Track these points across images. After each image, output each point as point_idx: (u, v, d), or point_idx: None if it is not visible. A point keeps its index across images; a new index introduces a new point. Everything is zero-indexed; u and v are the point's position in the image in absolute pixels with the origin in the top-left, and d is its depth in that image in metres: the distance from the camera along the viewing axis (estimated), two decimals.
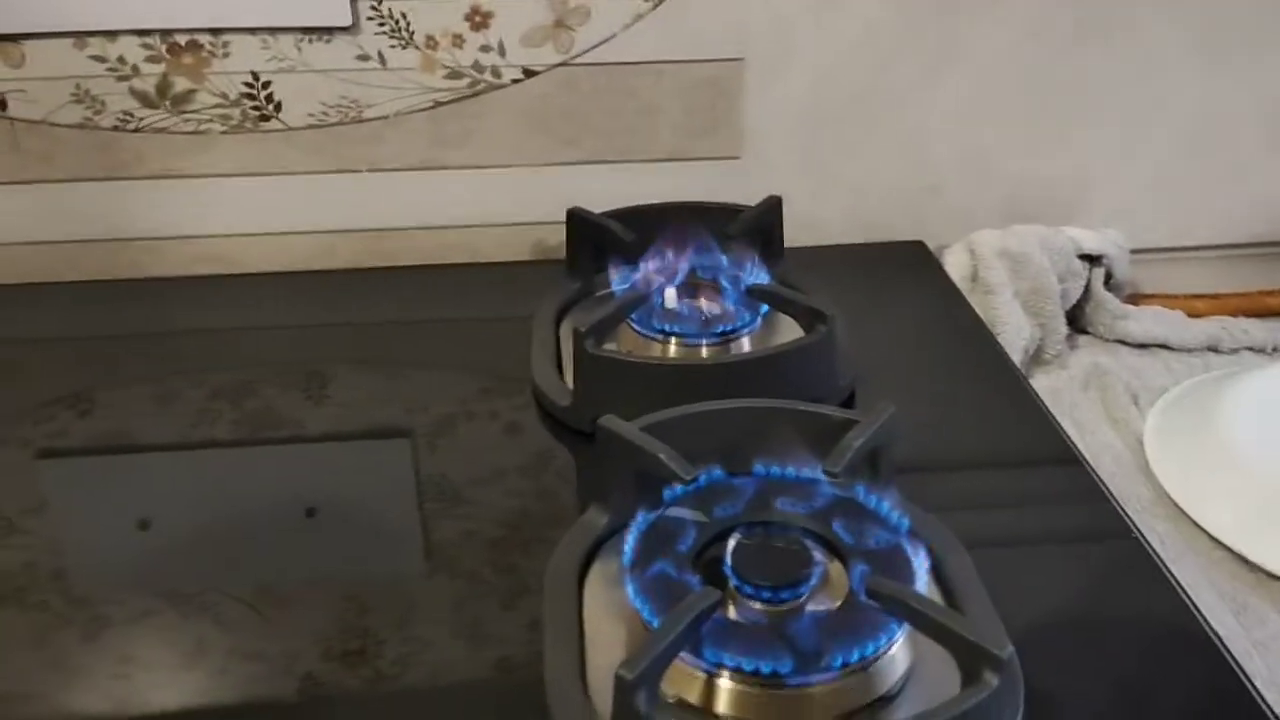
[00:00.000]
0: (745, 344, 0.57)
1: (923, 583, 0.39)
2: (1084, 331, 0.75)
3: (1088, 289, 0.73)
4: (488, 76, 0.69)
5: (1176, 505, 0.58)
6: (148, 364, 0.63)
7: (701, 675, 0.37)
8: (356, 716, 0.40)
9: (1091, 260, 0.73)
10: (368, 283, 0.72)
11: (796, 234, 0.69)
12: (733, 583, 0.39)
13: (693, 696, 0.38)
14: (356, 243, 0.74)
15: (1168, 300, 0.78)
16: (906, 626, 0.38)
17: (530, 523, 0.49)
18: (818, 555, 0.40)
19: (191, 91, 0.68)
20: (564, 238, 0.66)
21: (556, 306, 0.63)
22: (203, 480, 0.54)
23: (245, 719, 0.40)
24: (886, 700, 0.38)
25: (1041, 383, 0.70)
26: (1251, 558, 0.54)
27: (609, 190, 0.68)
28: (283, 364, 0.62)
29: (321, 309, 0.69)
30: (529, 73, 0.69)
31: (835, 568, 0.41)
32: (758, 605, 0.39)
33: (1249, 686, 0.41)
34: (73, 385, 0.60)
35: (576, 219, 0.64)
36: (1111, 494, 0.52)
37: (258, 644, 0.43)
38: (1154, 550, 0.48)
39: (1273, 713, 0.40)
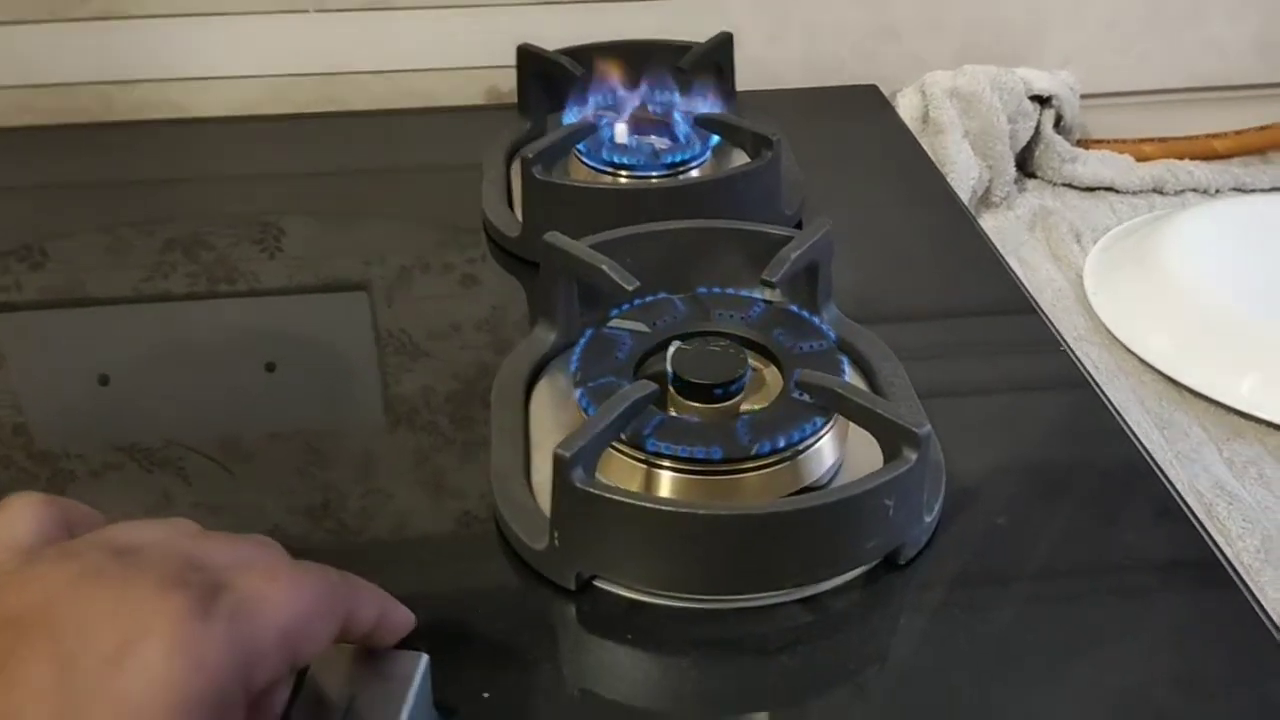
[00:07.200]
0: (694, 174, 0.58)
1: (850, 377, 0.41)
2: (1032, 175, 0.76)
3: (1038, 131, 0.74)
4: None
5: (1111, 334, 0.60)
6: (99, 214, 0.62)
7: (642, 467, 0.39)
8: None
9: (1042, 102, 0.74)
10: (320, 129, 0.72)
11: (751, 78, 0.69)
12: (671, 383, 0.41)
13: (634, 485, 0.39)
14: (308, 87, 0.73)
15: (1116, 145, 0.78)
16: (834, 418, 0.39)
17: (487, 375, 0.49)
18: (752, 360, 0.42)
19: None
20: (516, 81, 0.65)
21: (508, 146, 0.63)
22: (161, 334, 0.54)
23: None
24: (815, 489, 0.40)
25: (988, 223, 0.71)
26: (1180, 379, 0.56)
27: (562, 32, 0.67)
28: (236, 215, 0.61)
29: (274, 156, 0.68)
30: None
31: (771, 373, 0.43)
32: (695, 404, 0.40)
33: (1164, 480, 0.43)
34: (24, 237, 0.59)
35: (527, 55, 0.64)
36: (1049, 319, 0.53)
37: (223, 497, 0.43)
38: (1083, 365, 0.50)
39: (1180, 498, 0.42)
